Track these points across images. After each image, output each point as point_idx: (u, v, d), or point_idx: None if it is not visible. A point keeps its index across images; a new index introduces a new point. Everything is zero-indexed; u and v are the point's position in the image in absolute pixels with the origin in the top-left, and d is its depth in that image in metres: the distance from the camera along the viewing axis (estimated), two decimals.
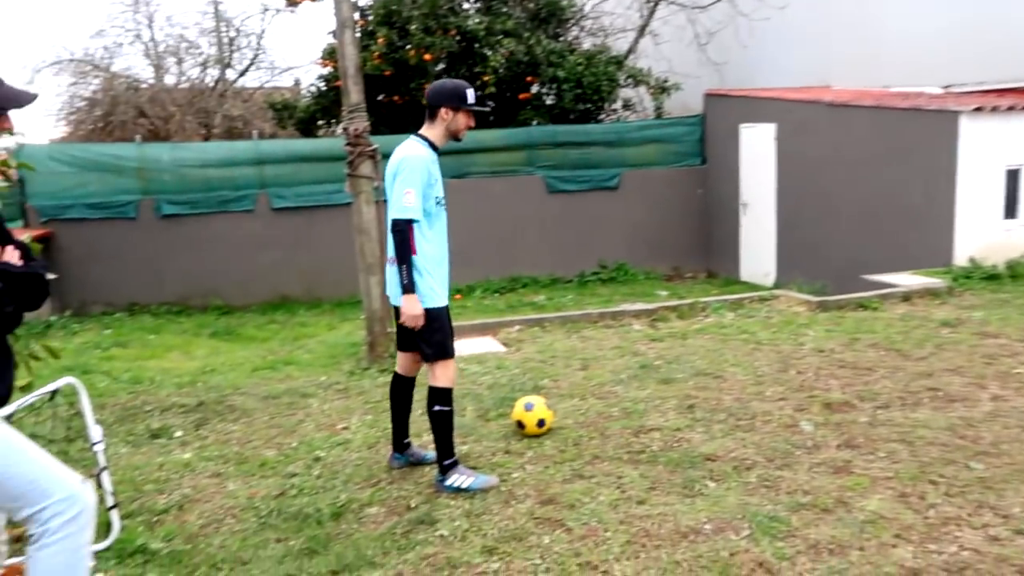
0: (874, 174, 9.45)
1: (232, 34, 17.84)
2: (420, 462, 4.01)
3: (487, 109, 4.11)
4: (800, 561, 2.95)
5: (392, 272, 3.73)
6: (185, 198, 10.95)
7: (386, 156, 6.63)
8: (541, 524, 3.32)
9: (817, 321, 6.73)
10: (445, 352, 3.70)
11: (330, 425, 4.80)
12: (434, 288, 3.68)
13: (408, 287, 3.55)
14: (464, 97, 3.69)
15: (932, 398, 4.69)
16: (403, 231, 3.55)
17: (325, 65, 13.31)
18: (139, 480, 4.06)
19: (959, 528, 3.14)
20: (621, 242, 12.30)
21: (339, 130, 13.74)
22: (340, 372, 6.14)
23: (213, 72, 18.08)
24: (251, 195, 11.13)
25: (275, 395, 5.53)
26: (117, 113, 16.45)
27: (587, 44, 14.74)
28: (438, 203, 3.73)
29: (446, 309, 3.75)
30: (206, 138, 16.74)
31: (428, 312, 3.63)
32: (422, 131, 3.75)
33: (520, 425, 4.32)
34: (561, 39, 13.79)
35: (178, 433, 4.84)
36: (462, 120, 3.72)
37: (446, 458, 3.71)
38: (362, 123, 5.96)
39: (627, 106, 13.94)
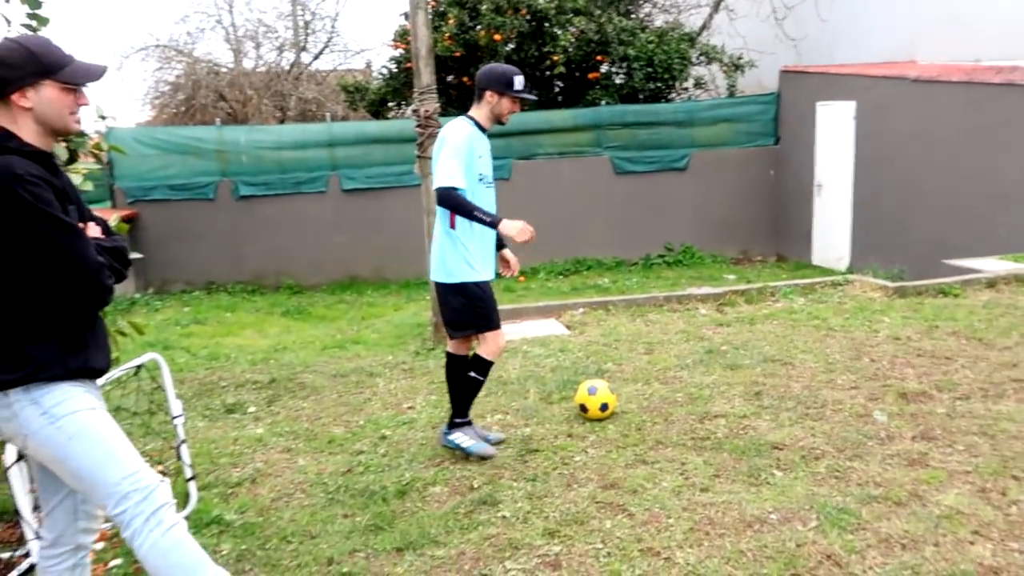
0: (962, 154, 8.99)
1: (307, 17, 18.17)
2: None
3: (533, 98, 4.17)
4: (870, 555, 2.87)
5: (435, 250, 3.84)
6: (261, 180, 11.27)
7: None
8: (603, 508, 3.32)
9: (893, 307, 6.48)
10: (491, 323, 3.82)
11: (396, 404, 4.90)
12: (472, 262, 3.76)
13: (492, 222, 3.62)
14: (510, 83, 3.75)
15: (1017, 390, 4.47)
16: (450, 196, 3.62)
17: (397, 47, 13.43)
18: (215, 453, 4.23)
19: None
20: (688, 224, 12.09)
21: (409, 112, 13.91)
22: (406, 352, 6.24)
23: (289, 56, 18.48)
24: (323, 177, 11.38)
25: (343, 373, 5.67)
26: (198, 97, 17.01)
27: (659, 21, 14.44)
28: (481, 180, 3.79)
29: (488, 284, 3.84)
30: (281, 121, 17.16)
31: (467, 287, 3.74)
32: (471, 112, 3.84)
33: (583, 408, 4.31)
34: (633, 16, 13.55)
35: (251, 408, 5.02)
36: (506, 105, 3.79)
37: (459, 416, 3.93)
38: (432, 104, 5.99)
39: (699, 84, 13.63)
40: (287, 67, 18.26)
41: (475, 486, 3.61)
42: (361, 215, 11.52)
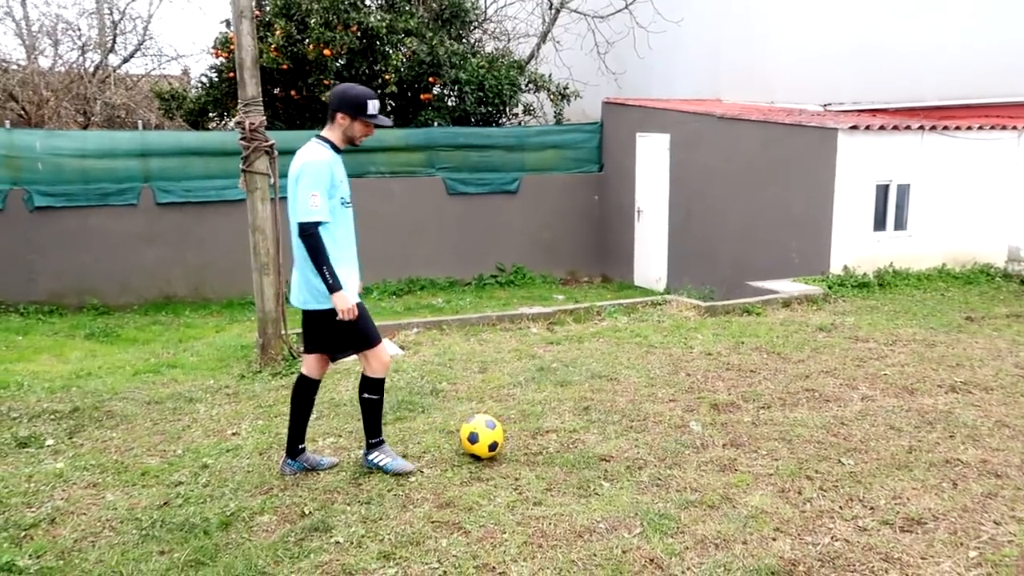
0: (759, 185, 9.94)
1: (116, 17, 16.85)
2: (315, 468, 3.92)
3: (387, 125, 4.09)
4: (688, 556, 3.07)
5: (297, 276, 3.70)
6: (60, 190, 10.25)
7: (283, 152, 6.45)
8: (439, 527, 3.31)
9: (705, 325, 7.01)
10: (371, 340, 3.75)
11: (219, 431, 4.62)
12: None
13: (333, 286, 3.54)
14: (363, 107, 3.66)
15: (809, 398, 4.98)
16: (313, 234, 3.53)
17: (218, 55, 12.79)
18: (4, 493, 3.77)
19: (832, 520, 3.35)
20: (519, 245, 12.43)
21: (232, 124, 13.28)
22: (230, 376, 5.91)
23: (93, 56, 17.03)
24: (134, 188, 10.55)
25: (158, 400, 5.27)
26: None
27: (490, 47, 14.82)
28: (343, 203, 3.71)
29: (360, 302, 3.75)
30: (85, 126, 15.74)
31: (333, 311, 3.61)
32: (324, 132, 3.73)
33: (472, 439, 3.96)
34: (464, 41, 13.80)
35: (49, 441, 4.53)
36: (359, 128, 3.72)
37: (373, 437, 3.92)
38: (258, 117, 5.76)
39: (528, 111, 14.11)
40: (91, 69, 16.82)
41: (306, 512, 3.48)
42: (178, 230, 10.79)
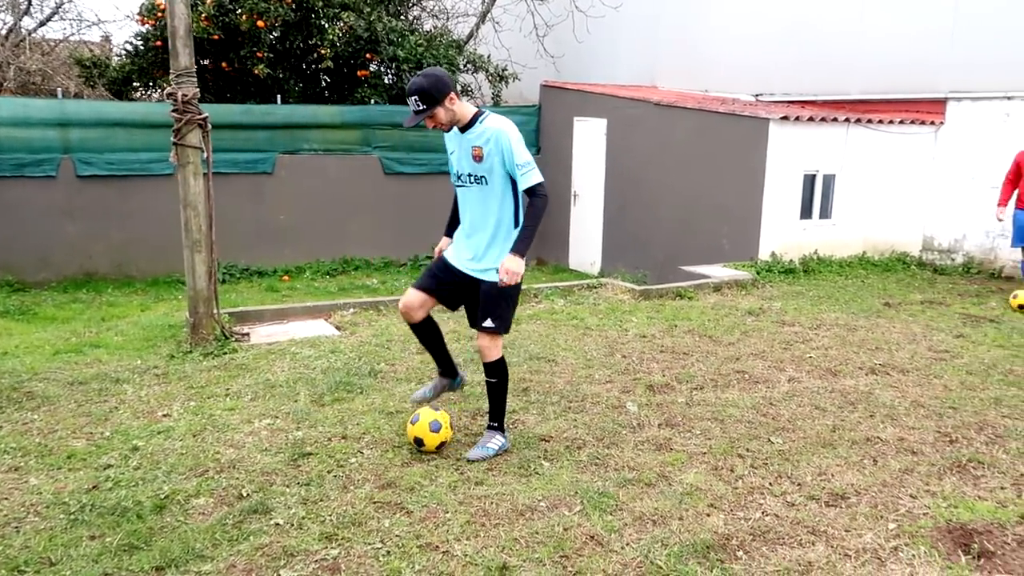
0: (693, 172, 10.16)
1: None
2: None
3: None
4: (627, 532, 3.15)
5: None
6: None
7: (216, 127, 6.25)
8: (381, 508, 3.31)
9: (640, 308, 7.15)
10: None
11: (148, 412, 4.48)
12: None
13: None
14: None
15: (739, 380, 5.15)
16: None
17: (143, 23, 12.24)
18: None
19: (763, 496, 3.49)
20: None
21: (160, 94, 12.75)
22: (158, 356, 5.72)
23: (6, 19, 16.07)
24: (52, 160, 10.05)
25: (83, 380, 5.06)
26: None
27: (428, 25, 14.63)
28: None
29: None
30: None
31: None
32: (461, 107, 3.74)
33: (418, 443, 3.85)
34: (403, 18, 13.58)
35: None
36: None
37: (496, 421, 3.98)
38: (192, 89, 5.55)
39: (466, 92, 14.01)
40: (3, 32, 15.88)
41: (244, 495, 3.42)
42: (100, 204, 10.34)
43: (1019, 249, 8.20)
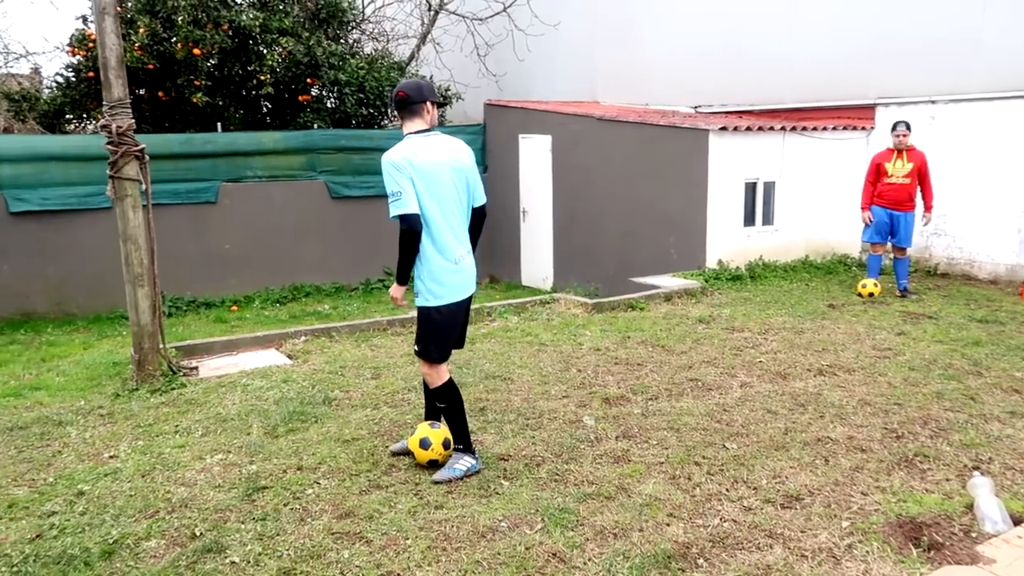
0: (638, 184, 10.32)
1: None
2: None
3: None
4: (589, 547, 3.15)
5: (472, 263, 4.05)
6: None
7: (153, 157, 6.12)
8: (340, 539, 3.25)
9: (593, 322, 7.20)
10: None
11: (94, 455, 4.33)
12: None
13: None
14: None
15: (693, 388, 5.22)
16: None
17: (74, 53, 11.96)
18: None
19: (720, 503, 3.53)
20: None
21: (94, 126, 12.45)
22: (103, 395, 5.55)
23: None
24: None
25: (22, 425, 4.88)
26: None
27: (368, 48, 14.62)
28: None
29: None
30: None
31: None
32: (416, 127, 3.82)
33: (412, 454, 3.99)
34: (342, 41, 13.54)
35: None
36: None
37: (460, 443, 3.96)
38: (126, 120, 5.44)
39: None
40: None
41: (198, 534, 3.32)
42: (35, 242, 10.01)
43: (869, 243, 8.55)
